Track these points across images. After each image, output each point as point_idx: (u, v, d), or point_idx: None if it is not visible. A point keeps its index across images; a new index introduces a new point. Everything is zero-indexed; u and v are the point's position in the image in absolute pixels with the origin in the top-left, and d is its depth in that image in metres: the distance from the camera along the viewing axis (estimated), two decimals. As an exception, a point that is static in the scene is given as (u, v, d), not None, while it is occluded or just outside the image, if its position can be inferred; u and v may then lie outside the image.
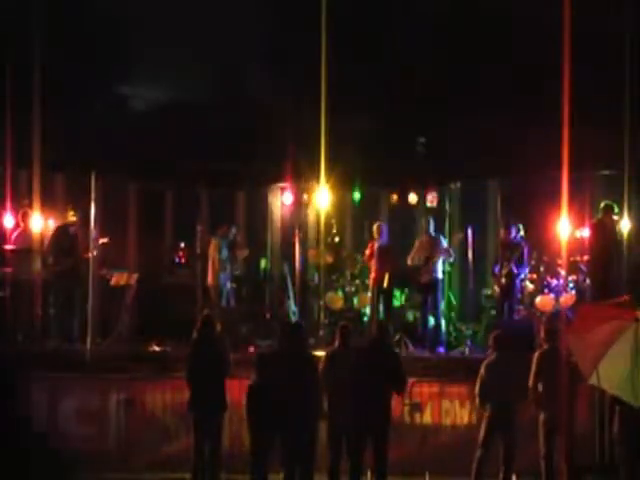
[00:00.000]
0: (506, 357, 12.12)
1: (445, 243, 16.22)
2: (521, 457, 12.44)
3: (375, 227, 16.38)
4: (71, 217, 15.86)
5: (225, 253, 16.32)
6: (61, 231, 15.84)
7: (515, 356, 12.26)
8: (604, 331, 9.39)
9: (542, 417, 11.93)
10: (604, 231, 15.45)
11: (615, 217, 15.65)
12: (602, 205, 15.54)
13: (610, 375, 9.42)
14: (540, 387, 11.88)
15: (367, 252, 16.38)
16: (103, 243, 15.81)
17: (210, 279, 16.34)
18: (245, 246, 17.42)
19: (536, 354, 12.04)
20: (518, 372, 12.00)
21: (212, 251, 16.35)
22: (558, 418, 11.72)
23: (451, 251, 16.28)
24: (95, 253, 15.48)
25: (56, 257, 15.63)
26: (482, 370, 12.14)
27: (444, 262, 16.21)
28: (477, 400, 12.23)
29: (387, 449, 11.79)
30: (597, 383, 9.59)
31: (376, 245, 16.18)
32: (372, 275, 16.27)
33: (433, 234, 16.20)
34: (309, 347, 12.70)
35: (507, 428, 11.96)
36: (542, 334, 12.24)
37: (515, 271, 15.91)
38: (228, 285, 16.39)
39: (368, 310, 16.44)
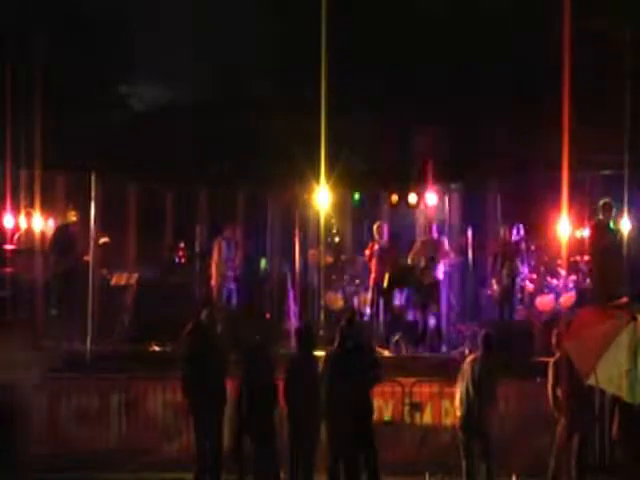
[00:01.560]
0: (488, 359, 12.08)
1: (447, 245, 16.19)
2: (521, 457, 12.42)
3: (376, 227, 16.36)
4: (71, 217, 15.85)
5: (228, 253, 16.32)
6: (61, 231, 15.84)
7: (495, 358, 12.19)
8: (601, 331, 9.40)
9: (563, 421, 11.87)
10: (604, 230, 15.38)
11: (614, 215, 15.56)
12: (601, 203, 15.43)
13: (608, 375, 9.43)
14: (559, 393, 11.82)
15: (367, 252, 16.37)
16: (104, 243, 15.79)
17: (213, 279, 16.35)
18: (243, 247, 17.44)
19: (551, 362, 11.97)
20: (492, 374, 11.95)
21: (216, 252, 16.36)
22: (579, 421, 11.69)
23: (452, 254, 16.25)
24: (93, 253, 15.44)
25: (56, 257, 15.62)
26: (463, 367, 12.08)
27: (445, 263, 16.19)
28: (457, 399, 12.16)
29: (375, 447, 11.73)
30: (595, 383, 9.60)
31: (377, 245, 16.17)
32: (372, 275, 16.25)
33: (436, 235, 16.16)
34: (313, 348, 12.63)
35: (483, 428, 11.91)
36: (554, 341, 12.13)
37: (517, 271, 15.90)
38: (230, 285, 16.38)
39: (368, 310, 16.42)
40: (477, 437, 11.89)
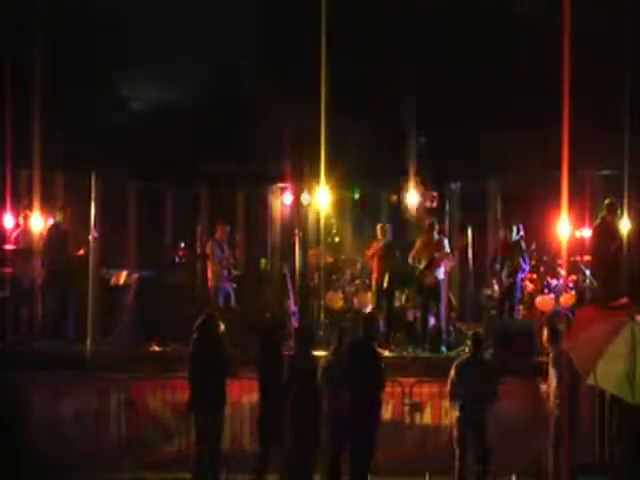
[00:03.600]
0: (478, 358, 12.11)
1: (447, 246, 16.17)
2: (521, 457, 12.42)
3: (379, 227, 16.30)
4: (59, 216, 15.83)
5: (221, 254, 16.31)
6: (54, 230, 15.83)
7: (488, 357, 12.22)
8: (601, 331, 9.41)
9: (555, 417, 11.87)
10: (608, 230, 15.26)
11: (619, 215, 15.47)
12: (606, 202, 15.30)
13: (607, 374, 9.44)
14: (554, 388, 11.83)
15: (369, 252, 16.31)
16: (94, 237, 15.74)
17: (209, 281, 16.37)
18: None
19: (550, 357, 11.97)
20: (488, 373, 11.96)
21: (208, 252, 16.38)
22: (570, 418, 11.70)
23: (451, 255, 16.24)
24: (86, 250, 15.43)
25: (49, 256, 15.60)
26: (452, 370, 12.10)
27: (445, 264, 16.18)
28: (448, 399, 12.17)
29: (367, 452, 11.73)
30: (594, 383, 9.60)
31: (379, 245, 16.12)
32: (374, 275, 16.21)
33: (436, 236, 16.13)
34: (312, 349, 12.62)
35: (477, 429, 11.90)
36: (547, 336, 12.14)
37: (517, 271, 15.89)
38: (226, 286, 16.36)
39: (369, 310, 16.38)
40: (474, 439, 11.88)
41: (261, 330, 12.39)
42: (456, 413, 12.03)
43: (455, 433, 12.03)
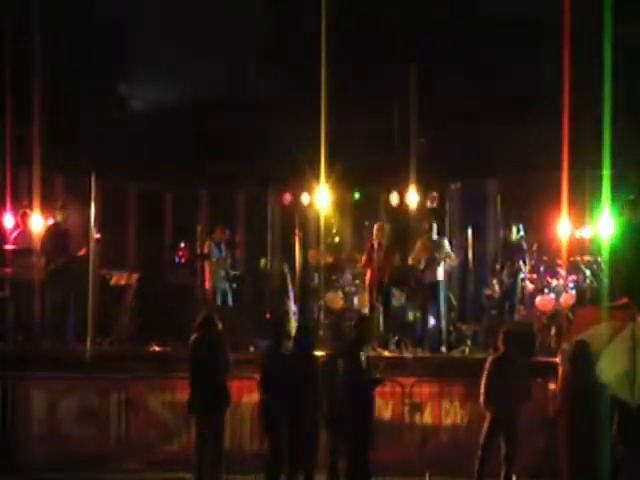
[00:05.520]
0: (511, 356, 12.02)
1: (447, 246, 16.17)
2: (521, 457, 12.42)
3: (377, 227, 16.25)
4: (58, 216, 15.83)
5: (219, 254, 16.33)
6: (53, 230, 15.83)
7: (520, 356, 12.14)
8: (601, 331, 9.43)
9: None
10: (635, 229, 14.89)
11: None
12: (629, 199, 14.77)
13: (607, 374, 9.45)
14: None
15: (363, 258, 16.21)
16: (96, 239, 15.75)
17: (207, 281, 16.39)
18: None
19: (559, 355, 11.93)
20: (523, 372, 11.92)
21: (206, 252, 16.40)
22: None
23: (452, 255, 16.22)
24: (87, 250, 15.43)
25: (49, 256, 15.60)
26: (487, 369, 12.00)
27: (445, 263, 16.17)
28: (482, 399, 12.04)
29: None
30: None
31: (375, 244, 16.08)
32: (367, 276, 16.12)
33: (436, 236, 16.13)
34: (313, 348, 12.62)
35: (509, 429, 11.86)
36: (555, 334, 12.07)
37: (517, 271, 15.89)
38: (223, 286, 16.37)
39: (367, 310, 16.39)
40: (505, 439, 11.82)
41: None
42: (489, 414, 11.90)
43: (484, 434, 11.91)
